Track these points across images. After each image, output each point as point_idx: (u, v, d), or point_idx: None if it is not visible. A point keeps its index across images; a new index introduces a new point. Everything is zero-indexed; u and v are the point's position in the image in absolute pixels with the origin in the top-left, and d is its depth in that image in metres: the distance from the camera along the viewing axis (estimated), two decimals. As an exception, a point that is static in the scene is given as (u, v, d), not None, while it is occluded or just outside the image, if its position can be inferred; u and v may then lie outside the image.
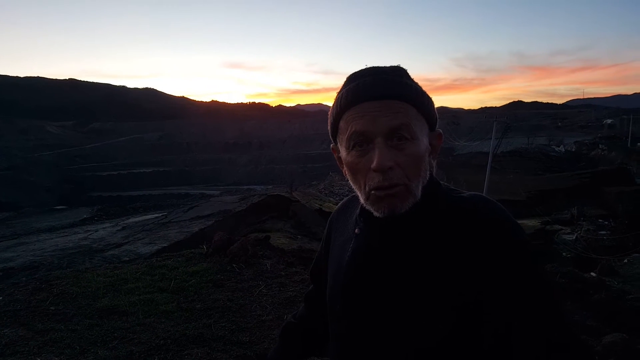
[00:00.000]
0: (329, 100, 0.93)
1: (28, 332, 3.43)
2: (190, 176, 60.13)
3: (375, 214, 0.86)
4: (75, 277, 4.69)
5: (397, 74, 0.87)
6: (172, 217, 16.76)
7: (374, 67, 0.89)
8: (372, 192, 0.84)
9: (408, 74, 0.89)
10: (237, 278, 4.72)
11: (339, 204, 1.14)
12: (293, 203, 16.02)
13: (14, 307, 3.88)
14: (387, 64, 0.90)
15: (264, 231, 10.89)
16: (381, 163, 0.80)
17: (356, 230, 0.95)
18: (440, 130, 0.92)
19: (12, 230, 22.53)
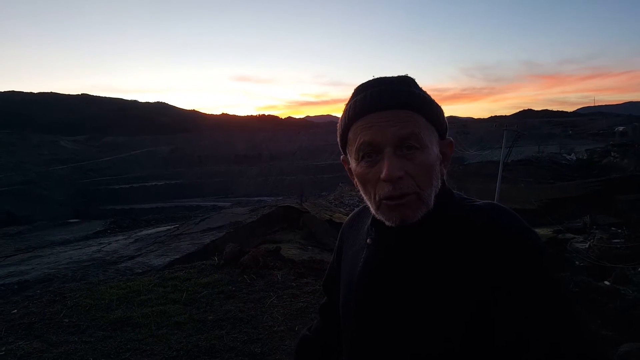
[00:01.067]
0: (338, 112, 0.93)
1: (42, 345, 3.47)
2: (201, 188, 60.39)
3: (387, 223, 0.85)
4: (89, 289, 4.75)
5: (405, 83, 0.87)
6: (183, 229, 16.84)
7: (381, 77, 0.89)
8: (383, 201, 0.83)
9: (416, 82, 0.89)
10: (249, 289, 4.73)
11: (350, 215, 1.14)
12: (303, 214, 15.98)
13: (29, 319, 3.94)
14: (395, 74, 0.89)
15: (275, 242, 10.87)
16: (390, 173, 0.80)
17: (368, 241, 0.94)
18: (451, 139, 0.92)
19: (27, 243, 22.81)
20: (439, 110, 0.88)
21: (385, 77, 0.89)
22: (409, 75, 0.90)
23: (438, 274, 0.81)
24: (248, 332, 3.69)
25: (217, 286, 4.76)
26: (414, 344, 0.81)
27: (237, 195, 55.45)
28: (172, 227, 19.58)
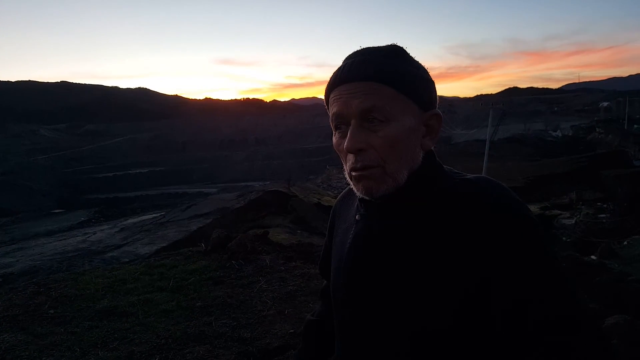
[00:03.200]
0: (323, 94, 0.93)
1: (27, 337, 3.40)
2: (187, 175, 59.96)
3: (357, 194, 0.88)
4: (74, 279, 4.66)
5: (382, 54, 0.85)
6: (170, 216, 16.74)
7: (364, 48, 0.88)
8: (351, 172, 0.85)
9: (400, 52, 0.87)
10: (237, 274, 4.70)
11: (342, 192, 1.13)
12: (291, 198, 15.99)
13: (13, 312, 3.85)
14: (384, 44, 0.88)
15: (263, 227, 10.84)
16: (350, 145, 0.82)
17: (357, 217, 0.94)
18: (437, 111, 0.88)
19: (10, 235, 22.48)
20: (419, 82, 0.85)
21: (366, 48, 0.87)
22: (397, 45, 0.88)
23: (428, 247, 0.79)
24: (237, 318, 3.65)
25: (205, 272, 4.71)
26: (406, 318, 0.80)
27: (224, 181, 55.15)
28: (158, 215, 19.46)
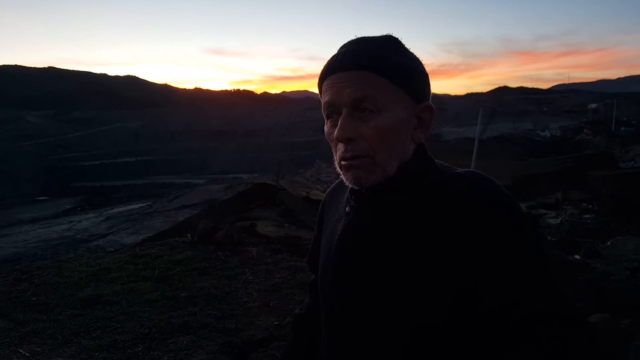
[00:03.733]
0: (315, 87, 0.93)
1: (9, 323, 3.36)
2: (175, 165, 59.38)
3: (347, 184, 0.87)
4: (57, 267, 4.61)
5: (377, 44, 0.85)
6: (157, 206, 16.61)
7: (359, 37, 0.87)
8: (341, 162, 0.85)
9: (395, 43, 0.86)
10: (223, 266, 4.68)
11: (331, 186, 1.12)
12: (280, 191, 15.91)
13: (-7, 298, 3.79)
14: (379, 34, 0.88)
15: (251, 219, 10.77)
16: (340, 134, 0.81)
17: (347, 209, 0.93)
18: (430, 103, 0.88)
19: (-7, 222, 22.09)
20: (412, 73, 0.85)
21: (361, 38, 0.87)
22: (392, 35, 0.87)
23: (418, 240, 0.79)
24: (222, 309, 3.64)
25: (190, 263, 4.68)
26: (396, 314, 0.79)
27: (213, 172, 54.76)
28: (145, 204, 19.29)
